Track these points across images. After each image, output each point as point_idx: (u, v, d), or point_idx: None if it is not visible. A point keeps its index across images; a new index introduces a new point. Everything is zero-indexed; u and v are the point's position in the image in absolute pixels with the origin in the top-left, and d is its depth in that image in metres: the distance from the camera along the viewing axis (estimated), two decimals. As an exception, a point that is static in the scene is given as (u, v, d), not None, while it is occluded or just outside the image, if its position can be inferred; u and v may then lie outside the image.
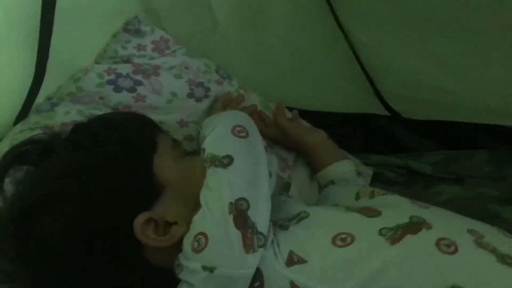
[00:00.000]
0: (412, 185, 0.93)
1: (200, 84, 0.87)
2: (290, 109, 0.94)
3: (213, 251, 0.50)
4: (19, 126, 0.73)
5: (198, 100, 0.86)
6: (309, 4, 0.87)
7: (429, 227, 0.54)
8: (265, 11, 0.90)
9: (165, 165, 0.60)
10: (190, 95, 0.85)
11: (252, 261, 0.51)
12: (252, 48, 0.96)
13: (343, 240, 0.52)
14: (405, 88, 0.92)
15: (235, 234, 0.51)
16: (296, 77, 0.99)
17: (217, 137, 0.62)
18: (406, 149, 1.01)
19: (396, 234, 0.53)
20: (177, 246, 0.54)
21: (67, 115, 0.76)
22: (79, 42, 0.79)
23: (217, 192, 0.54)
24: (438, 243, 0.51)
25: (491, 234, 0.55)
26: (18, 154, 0.61)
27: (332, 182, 0.81)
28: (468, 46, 0.76)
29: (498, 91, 0.82)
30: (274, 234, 0.55)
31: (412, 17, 0.77)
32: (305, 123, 0.94)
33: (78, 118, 0.75)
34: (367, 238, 0.53)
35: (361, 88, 0.97)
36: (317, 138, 0.86)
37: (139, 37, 0.85)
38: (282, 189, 0.81)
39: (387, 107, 1.00)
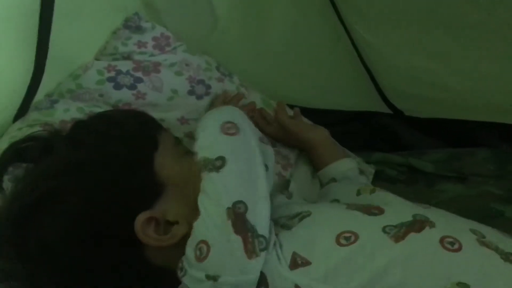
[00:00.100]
0: (414, 183, 0.93)
1: (201, 82, 0.86)
2: (292, 106, 0.93)
3: (215, 259, 0.50)
4: (18, 123, 0.73)
5: (199, 97, 0.86)
6: (311, 0, 0.86)
7: (432, 225, 0.53)
8: (267, 8, 0.89)
9: (166, 163, 0.59)
10: (191, 93, 0.85)
11: (255, 266, 0.50)
12: (253, 46, 0.95)
13: (347, 238, 0.52)
14: (407, 86, 0.91)
15: (236, 240, 0.50)
16: (298, 74, 0.98)
17: (206, 138, 0.60)
18: (408, 147, 1.01)
19: (399, 232, 0.52)
20: (178, 246, 0.53)
21: (66, 112, 0.76)
22: (79, 38, 0.78)
23: (214, 197, 0.53)
24: (442, 241, 0.51)
25: (492, 234, 0.55)
26: (17, 151, 0.61)
27: (334, 180, 0.81)
28: (470, 44, 0.76)
29: (501, 89, 0.82)
30: (276, 235, 0.54)
31: (415, 15, 0.77)
32: (306, 120, 0.94)
33: (78, 116, 0.75)
34: (371, 236, 0.53)
35: (363, 85, 0.97)
36: (319, 135, 0.85)
37: (140, 34, 0.85)
38: (282, 187, 0.81)
39: (389, 105, 0.99)
